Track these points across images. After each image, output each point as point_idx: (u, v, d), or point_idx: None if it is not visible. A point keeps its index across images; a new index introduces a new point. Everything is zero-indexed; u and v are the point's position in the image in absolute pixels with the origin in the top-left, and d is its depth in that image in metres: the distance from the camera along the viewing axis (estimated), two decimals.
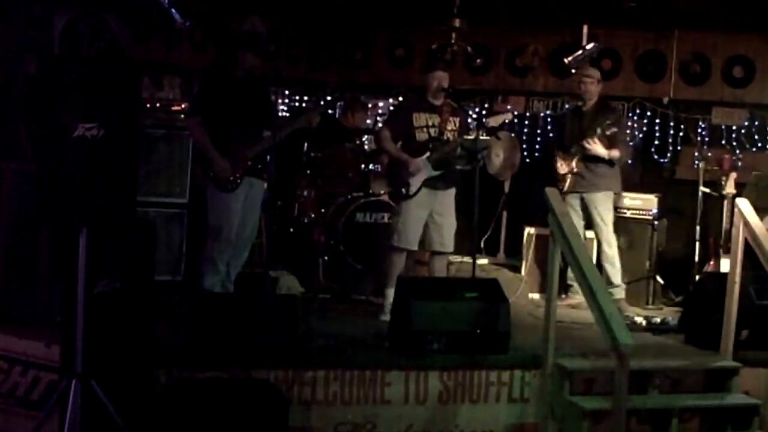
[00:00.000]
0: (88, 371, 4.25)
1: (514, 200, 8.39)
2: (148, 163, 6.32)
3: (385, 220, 7.21)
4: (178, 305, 5.54)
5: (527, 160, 8.64)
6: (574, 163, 6.95)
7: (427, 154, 6.16)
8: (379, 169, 7.66)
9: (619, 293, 6.96)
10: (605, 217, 7.00)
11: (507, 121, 6.53)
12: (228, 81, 5.68)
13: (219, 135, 5.59)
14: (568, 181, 6.98)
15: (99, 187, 4.14)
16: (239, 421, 4.29)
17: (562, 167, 7.03)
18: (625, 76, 8.47)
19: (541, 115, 8.81)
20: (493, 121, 6.38)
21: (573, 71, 7.15)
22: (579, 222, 6.91)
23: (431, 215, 6.20)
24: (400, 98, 8.46)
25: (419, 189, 6.13)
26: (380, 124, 7.26)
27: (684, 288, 7.32)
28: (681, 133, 8.44)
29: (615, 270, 6.98)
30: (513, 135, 8.47)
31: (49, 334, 4.84)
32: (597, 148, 6.84)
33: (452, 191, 6.30)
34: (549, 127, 8.85)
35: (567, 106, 8.18)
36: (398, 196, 6.24)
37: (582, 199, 7.02)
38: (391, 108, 8.46)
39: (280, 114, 8.51)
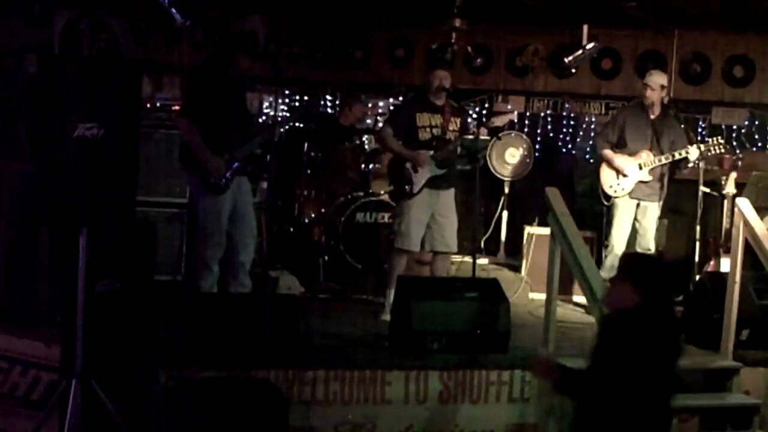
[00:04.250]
0: (88, 371, 4.24)
1: (514, 200, 8.39)
2: (148, 163, 6.31)
3: (386, 219, 7.21)
4: (178, 305, 5.54)
5: (527, 160, 8.63)
6: (646, 172, 6.82)
7: (431, 153, 6.15)
8: (379, 169, 7.67)
9: None
10: (653, 226, 6.99)
11: (510, 120, 6.50)
12: (220, 81, 5.64)
13: (210, 135, 5.53)
14: (632, 186, 6.87)
15: (99, 187, 4.14)
16: (239, 421, 4.29)
17: (628, 171, 6.85)
18: (625, 76, 8.46)
19: (541, 114, 8.82)
20: (499, 121, 6.36)
21: (643, 82, 7.03)
22: (629, 226, 6.91)
23: (433, 216, 6.19)
24: (401, 98, 8.46)
25: (422, 188, 6.13)
26: (382, 124, 7.25)
27: (684, 288, 7.32)
28: None
29: None
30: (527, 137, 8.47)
31: (49, 334, 4.85)
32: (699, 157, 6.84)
33: (452, 191, 6.29)
34: (549, 127, 8.85)
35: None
36: (402, 194, 6.21)
37: (638, 206, 6.94)
38: (392, 108, 8.47)
39: (279, 114, 8.53)
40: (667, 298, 3.73)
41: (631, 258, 4.39)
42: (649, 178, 6.86)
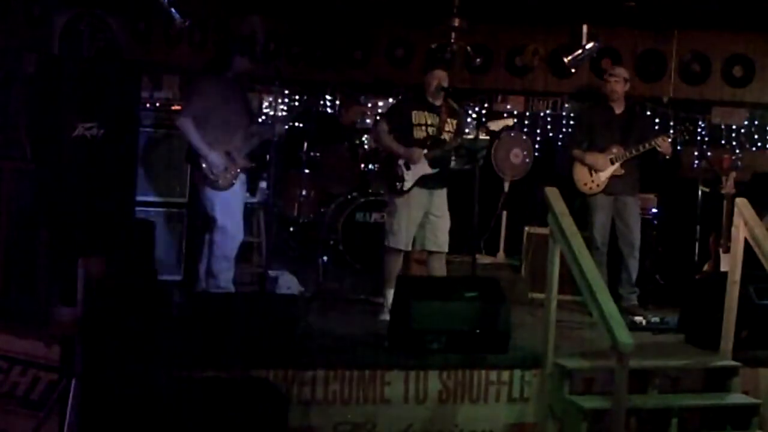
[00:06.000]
0: (88, 371, 4.24)
1: (514, 200, 8.39)
2: (148, 163, 6.32)
3: (384, 219, 7.21)
4: (178, 305, 5.54)
5: (527, 160, 8.63)
6: (618, 165, 6.83)
7: (425, 151, 6.14)
8: (379, 169, 7.68)
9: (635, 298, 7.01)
10: (637, 221, 6.98)
11: (508, 125, 6.51)
12: (220, 81, 5.68)
13: (212, 135, 5.58)
14: (605, 182, 6.87)
15: (98, 186, 4.14)
16: (239, 421, 4.29)
17: (600, 166, 6.85)
18: None
19: (541, 114, 8.82)
20: (494, 125, 6.35)
21: (607, 75, 7.09)
22: (608, 223, 6.93)
23: (426, 215, 6.17)
24: (400, 97, 8.46)
25: (413, 186, 6.12)
26: (377, 119, 7.25)
27: (684, 288, 7.31)
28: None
29: (635, 273, 6.99)
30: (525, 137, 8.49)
31: (49, 334, 4.85)
32: (669, 147, 6.80)
33: (445, 191, 6.27)
34: (549, 127, 8.86)
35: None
36: (393, 191, 6.20)
37: (615, 201, 6.94)
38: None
39: (279, 114, 8.53)
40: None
41: None
42: (621, 171, 6.87)
